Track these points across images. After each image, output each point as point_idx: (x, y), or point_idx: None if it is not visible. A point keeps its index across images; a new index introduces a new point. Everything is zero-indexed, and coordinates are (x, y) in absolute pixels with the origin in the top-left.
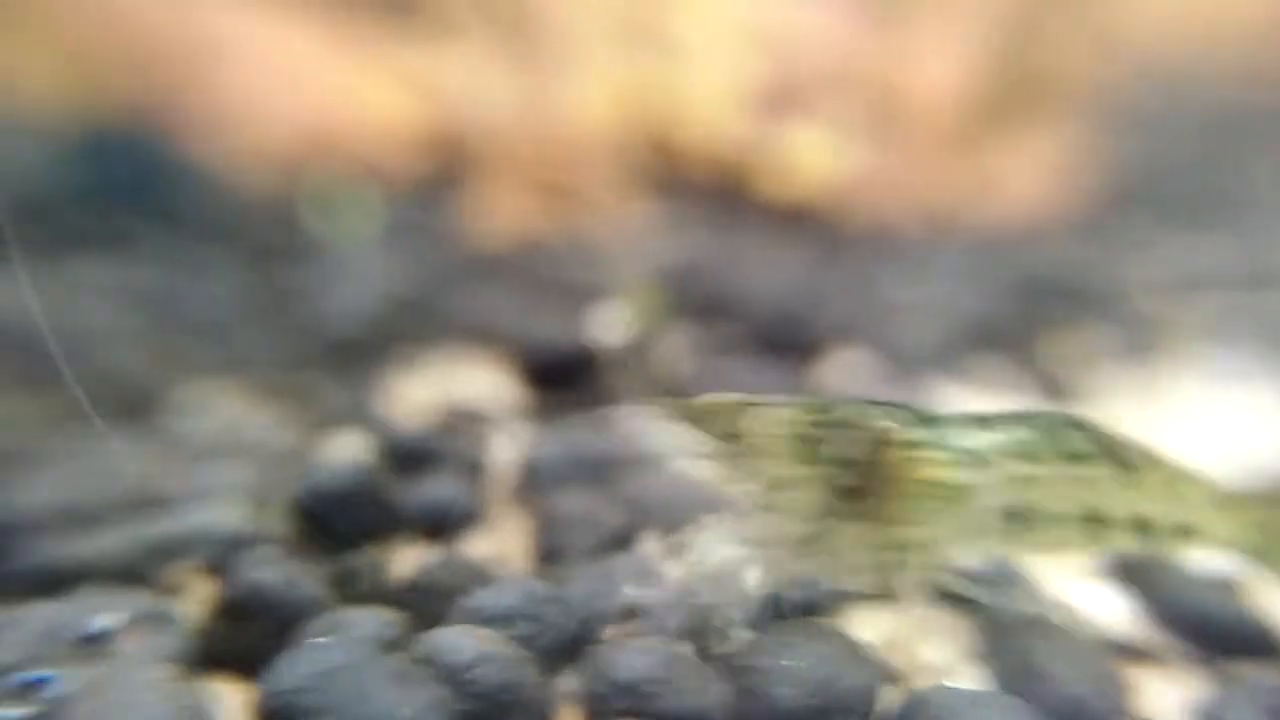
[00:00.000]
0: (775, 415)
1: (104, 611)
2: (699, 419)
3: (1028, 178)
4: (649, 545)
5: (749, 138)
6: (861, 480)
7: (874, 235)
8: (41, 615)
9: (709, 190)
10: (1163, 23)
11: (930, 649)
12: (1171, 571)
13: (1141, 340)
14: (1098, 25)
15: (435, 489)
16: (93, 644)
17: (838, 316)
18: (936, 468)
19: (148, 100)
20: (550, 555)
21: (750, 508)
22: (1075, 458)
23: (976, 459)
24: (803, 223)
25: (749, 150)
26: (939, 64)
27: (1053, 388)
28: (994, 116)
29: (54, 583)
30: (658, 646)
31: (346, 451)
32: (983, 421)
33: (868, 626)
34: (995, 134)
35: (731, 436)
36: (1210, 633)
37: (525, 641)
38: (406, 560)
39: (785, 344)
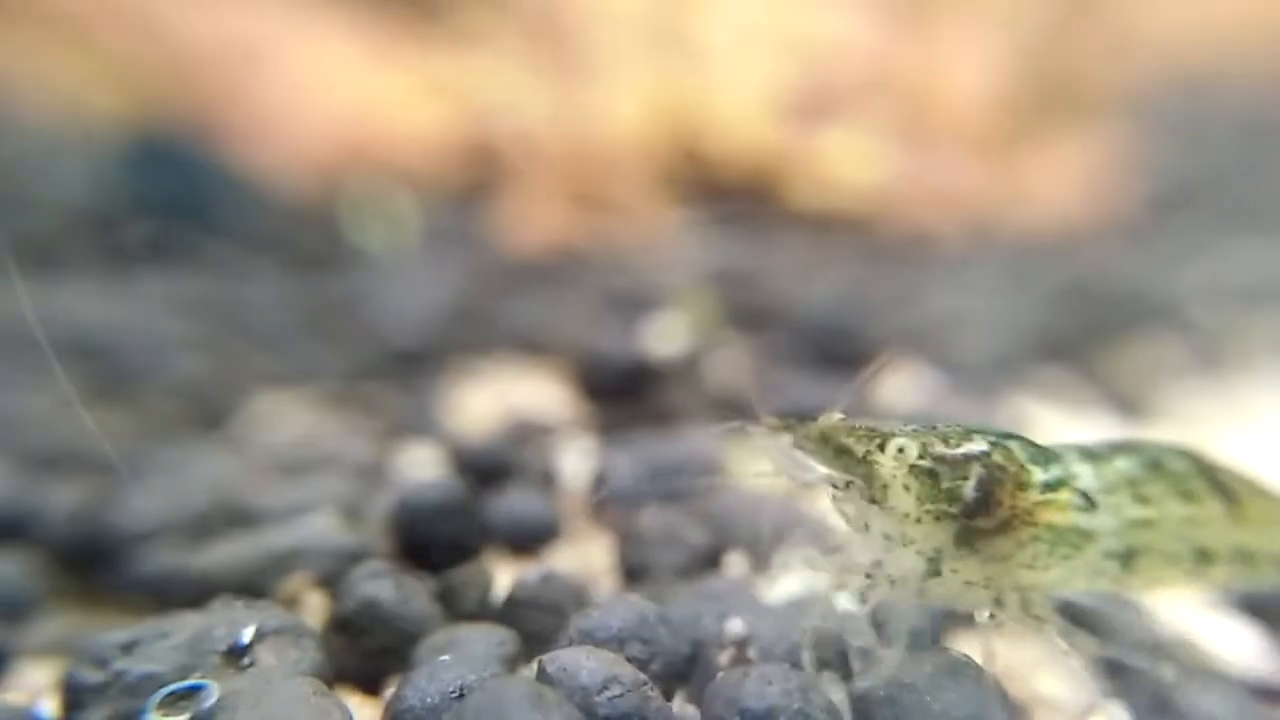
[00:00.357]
0: (882, 439)
1: (244, 624)
2: (800, 440)
3: (1061, 183)
4: (737, 565)
5: (782, 145)
6: (978, 517)
7: (911, 243)
8: (187, 626)
9: (744, 197)
10: (1188, 26)
11: (1052, 681)
12: None
13: (1208, 352)
14: (1125, 29)
15: (519, 503)
16: (238, 656)
17: (890, 326)
18: (1057, 511)
19: (191, 111)
20: (635, 572)
21: (842, 533)
22: (1187, 496)
23: (1091, 501)
24: (838, 230)
25: (782, 157)
26: (969, 69)
27: (1124, 402)
28: (1025, 121)
29: (178, 593)
30: (784, 675)
31: (427, 465)
32: (1091, 455)
33: (983, 658)
34: (1026, 139)
35: (843, 461)
36: None
37: (640, 664)
38: (501, 576)
39: (838, 355)
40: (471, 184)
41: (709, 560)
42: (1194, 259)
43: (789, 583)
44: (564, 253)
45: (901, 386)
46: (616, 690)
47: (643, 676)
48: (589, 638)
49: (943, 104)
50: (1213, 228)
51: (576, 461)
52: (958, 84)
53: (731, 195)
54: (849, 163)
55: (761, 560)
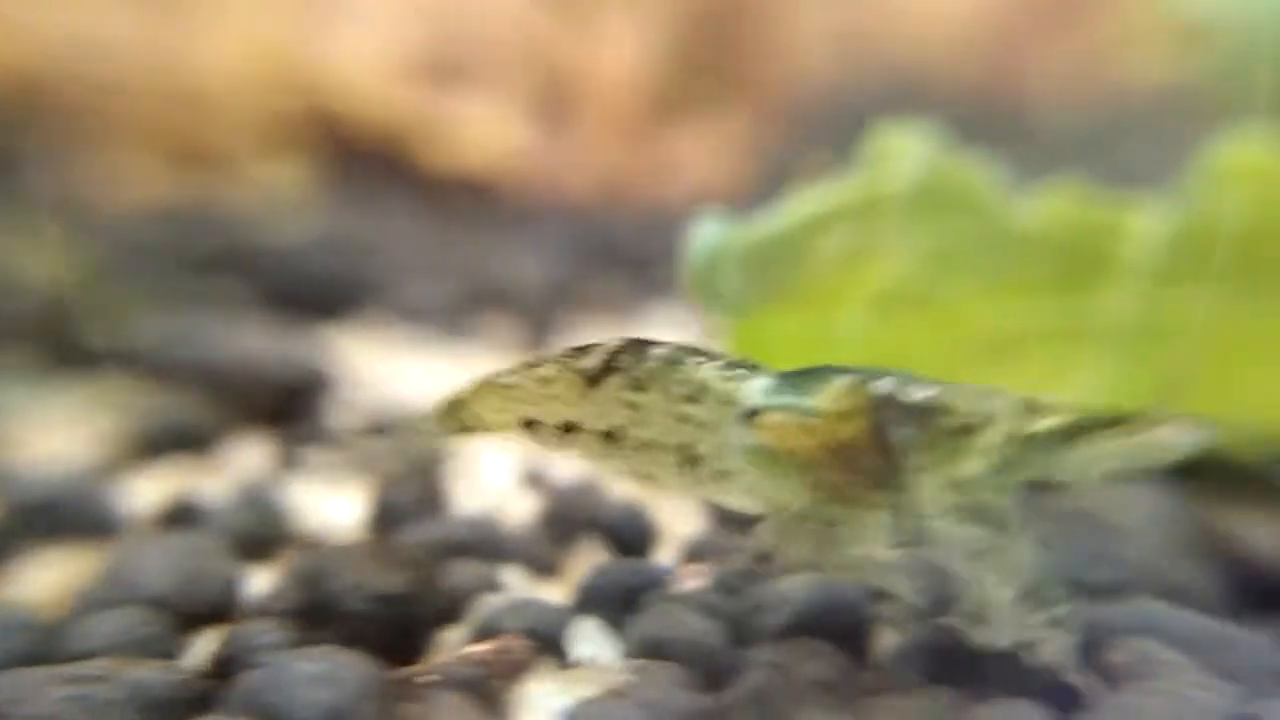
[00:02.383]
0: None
1: None
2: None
3: (699, 162)
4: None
5: (411, 106)
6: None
7: (521, 208)
8: None
9: (373, 158)
10: (917, 22)
11: None
12: None
13: None
14: (789, 27)
15: None
16: None
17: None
18: None
19: None
20: None
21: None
22: None
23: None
24: (463, 195)
25: (412, 119)
26: (620, 52)
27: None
28: (671, 104)
29: None
30: None
31: None
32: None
33: None
34: (671, 121)
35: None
36: None
37: None
38: None
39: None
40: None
41: None
42: None
43: None
44: (162, 214)
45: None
46: None
47: None
48: None
49: (590, 81)
50: None
51: None
52: (608, 64)
53: (361, 156)
54: (480, 128)
55: None
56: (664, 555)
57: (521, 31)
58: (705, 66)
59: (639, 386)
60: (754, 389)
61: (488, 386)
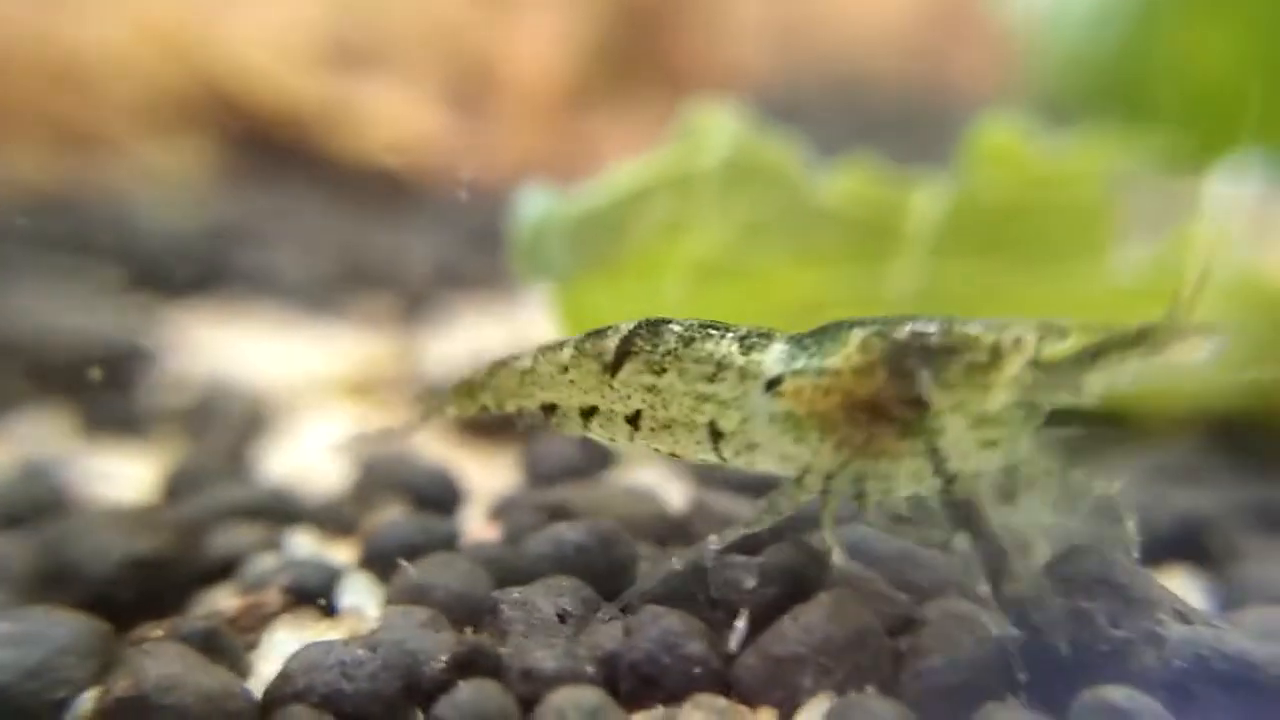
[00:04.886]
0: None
1: None
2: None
3: (621, 151)
4: None
5: (317, 90)
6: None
7: (425, 192)
8: None
9: (277, 143)
10: (851, 16)
11: None
12: None
13: None
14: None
15: None
16: None
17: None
18: None
19: None
20: None
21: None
22: None
23: None
24: (366, 178)
25: (314, 102)
26: (537, 37)
27: None
28: (592, 92)
29: None
30: None
31: None
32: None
33: None
34: (592, 108)
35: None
36: None
37: None
38: None
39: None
40: None
41: None
42: None
43: None
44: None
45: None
46: None
47: None
48: None
49: (507, 68)
50: None
51: None
52: (525, 51)
53: (260, 139)
54: (389, 114)
55: None
56: (467, 515)
57: (434, 16)
58: (630, 55)
59: (657, 369)
60: (771, 358)
61: (504, 370)
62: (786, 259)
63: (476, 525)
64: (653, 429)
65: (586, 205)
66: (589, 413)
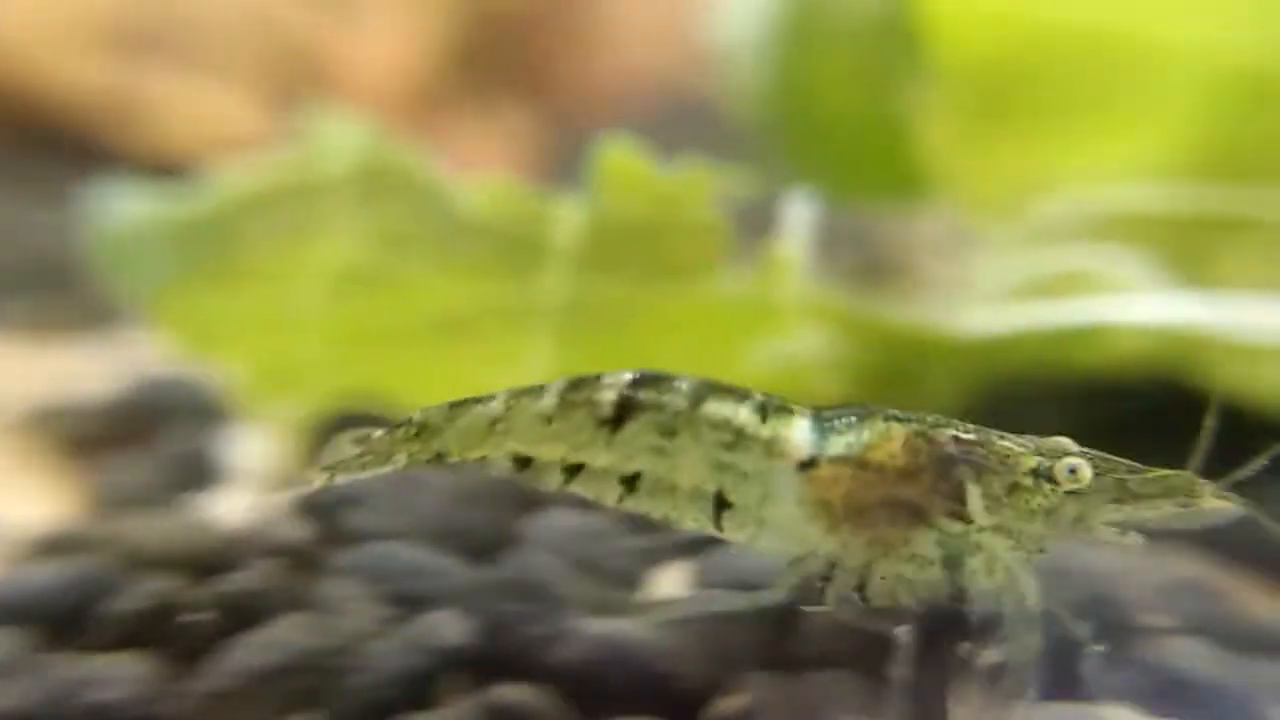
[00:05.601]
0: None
1: None
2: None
3: (476, 158)
4: None
5: (98, 78)
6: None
7: None
8: None
9: (64, 137)
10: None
11: None
12: None
13: None
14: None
15: None
16: None
17: None
18: None
19: None
20: None
21: None
22: None
23: None
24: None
25: (97, 92)
26: (384, 39)
27: None
28: (446, 97)
29: None
30: None
31: None
32: None
33: None
34: (445, 113)
35: None
36: None
37: None
38: None
39: None
40: None
41: None
42: None
43: None
44: None
45: None
46: None
47: None
48: None
49: (348, 70)
50: None
51: None
52: (371, 53)
53: (33, 132)
54: (196, 111)
55: None
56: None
57: (256, 11)
58: (496, 60)
59: (667, 431)
60: (798, 435)
61: (466, 414)
62: (431, 271)
63: None
64: (651, 494)
65: (189, 209)
66: (574, 469)
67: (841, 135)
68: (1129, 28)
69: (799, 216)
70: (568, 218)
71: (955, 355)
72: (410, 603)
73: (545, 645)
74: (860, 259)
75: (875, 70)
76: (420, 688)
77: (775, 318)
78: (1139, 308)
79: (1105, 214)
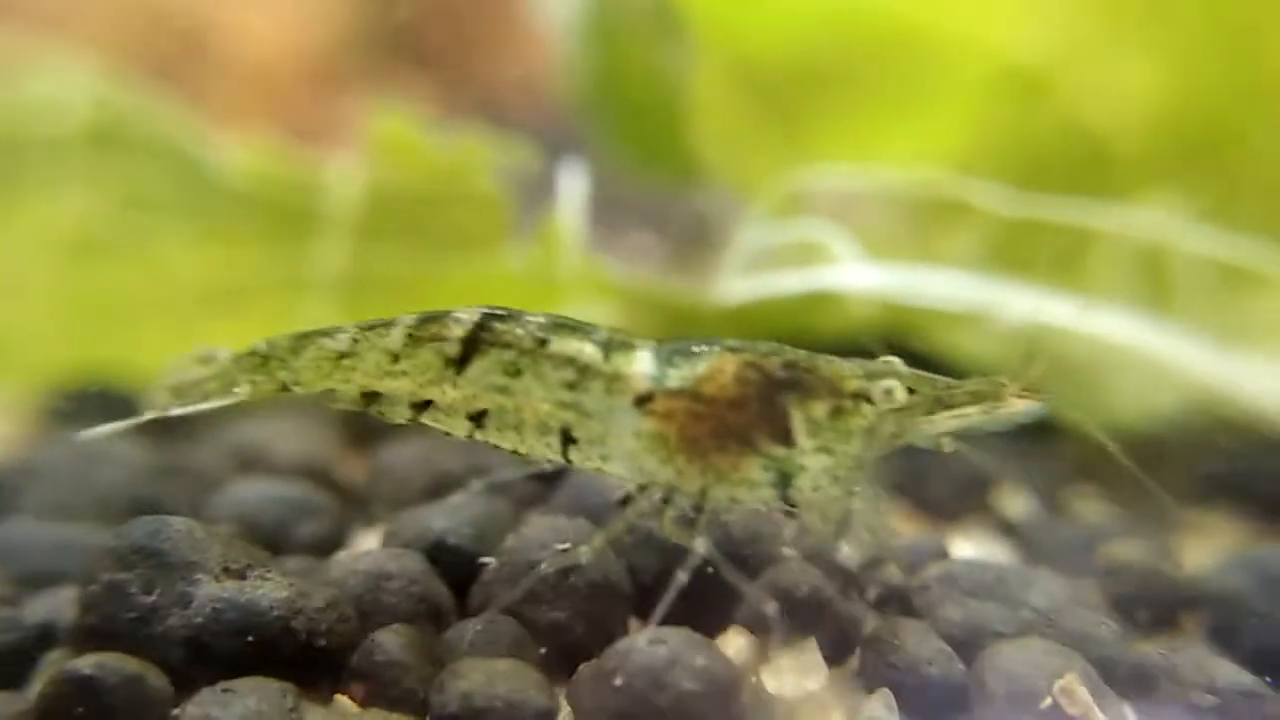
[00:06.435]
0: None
1: None
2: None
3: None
4: None
5: None
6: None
7: None
8: None
9: None
10: None
11: None
12: None
13: None
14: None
15: None
16: None
17: None
18: None
19: None
20: None
21: None
22: None
23: None
24: None
25: None
26: (282, 19)
27: None
28: (342, 79)
29: None
30: None
31: None
32: None
33: None
34: (354, 93)
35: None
36: None
37: None
38: None
39: None
40: None
41: None
42: None
43: None
44: None
45: None
46: None
47: None
48: None
49: (231, 45)
50: None
51: None
52: (261, 29)
53: None
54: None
55: None
56: None
57: None
58: (405, 45)
59: (512, 370)
60: (638, 369)
61: (312, 346)
62: (185, 238)
63: None
64: (499, 428)
65: None
66: (422, 405)
67: (638, 119)
68: (901, 23)
69: (574, 189)
70: (339, 186)
71: (717, 323)
72: (31, 582)
73: (155, 614)
74: (664, 233)
75: (658, 60)
76: (14, 667)
77: (555, 291)
78: (862, 278)
79: (844, 193)
